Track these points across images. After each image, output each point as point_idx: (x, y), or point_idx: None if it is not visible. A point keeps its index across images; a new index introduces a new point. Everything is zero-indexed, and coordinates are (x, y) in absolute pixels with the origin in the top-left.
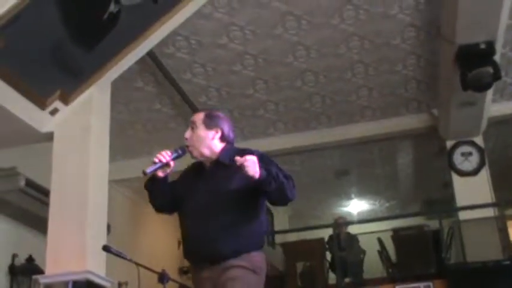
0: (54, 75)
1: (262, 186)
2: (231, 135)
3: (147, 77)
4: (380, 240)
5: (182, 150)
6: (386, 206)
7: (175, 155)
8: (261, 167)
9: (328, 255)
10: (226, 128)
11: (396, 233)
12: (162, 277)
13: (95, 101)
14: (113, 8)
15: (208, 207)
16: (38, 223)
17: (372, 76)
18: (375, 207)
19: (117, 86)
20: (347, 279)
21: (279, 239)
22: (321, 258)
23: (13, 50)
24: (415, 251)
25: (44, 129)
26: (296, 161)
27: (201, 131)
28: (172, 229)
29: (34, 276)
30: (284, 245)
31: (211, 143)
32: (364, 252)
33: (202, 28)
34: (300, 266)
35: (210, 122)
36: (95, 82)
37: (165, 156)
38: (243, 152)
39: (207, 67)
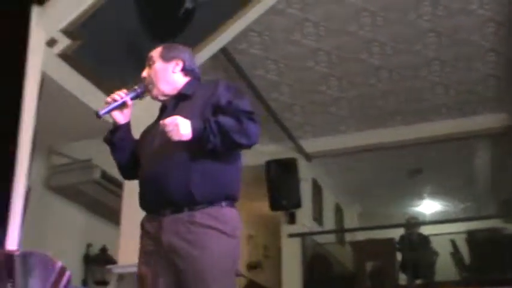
0: (131, 70)
1: (202, 145)
2: (196, 69)
3: (220, 73)
4: (454, 243)
5: (141, 87)
6: (461, 207)
7: (133, 93)
8: (195, 121)
9: (399, 256)
10: (188, 58)
11: (471, 236)
12: None
13: None
14: (188, 4)
15: (163, 144)
16: (112, 214)
17: (449, 73)
18: (448, 208)
19: None
20: (418, 281)
21: (348, 237)
22: (391, 259)
23: (91, 46)
24: (491, 254)
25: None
26: (367, 159)
27: (159, 64)
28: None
29: (107, 266)
30: (353, 244)
31: (171, 76)
32: (436, 253)
33: (275, 24)
34: (369, 266)
35: (168, 53)
36: None
37: (120, 94)
38: (208, 86)
39: (279, 63)
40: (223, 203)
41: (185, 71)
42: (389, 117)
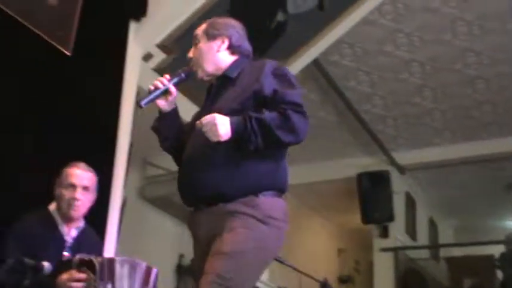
0: None
1: (242, 144)
2: (245, 45)
3: (312, 84)
4: None
5: (185, 72)
6: None
7: (176, 79)
8: (235, 118)
9: (500, 274)
10: (236, 35)
11: None
12: (324, 286)
13: None
14: (280, 17)
15: (199, 138)
16: None
17: None
18: None
19: None
20: None
21: (442, 252)
22: (490, 277)
23: (186, 59)
24: None
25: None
26: (463, 171)
27: (203, 43)
28: (332, 236)
29: None
30: (449, 260)
31: (216, 56)
32: None
33: (367, 35)
34: (467, 283)
35: (213, 31)
36: None
37: (163, 81)
38: (255, 68)
39: (372, 75)
40: (260, 194)
41: (232, 48)
42: (485, 128)
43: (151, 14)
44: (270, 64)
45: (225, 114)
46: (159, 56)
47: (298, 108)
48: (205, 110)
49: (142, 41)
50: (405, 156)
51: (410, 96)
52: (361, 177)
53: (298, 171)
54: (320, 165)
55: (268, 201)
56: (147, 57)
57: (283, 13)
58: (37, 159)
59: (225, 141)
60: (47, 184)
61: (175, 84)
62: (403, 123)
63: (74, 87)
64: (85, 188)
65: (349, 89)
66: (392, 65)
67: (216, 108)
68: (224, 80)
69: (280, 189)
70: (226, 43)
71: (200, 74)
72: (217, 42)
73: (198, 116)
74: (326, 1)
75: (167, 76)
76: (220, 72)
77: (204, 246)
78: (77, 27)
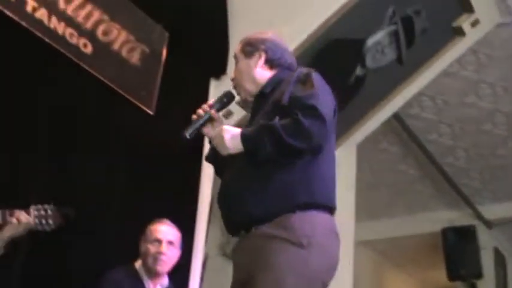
0: None
1: (255, 156)
2: (285, 57)
3: (392, 138)
4: None
5: (227, 95)
6: None
7: (218, 104)
8: (244, 131)
9: None
10: (273, 47)
11: None
12: None
13: (341, 163)
14: (359, 71)
15: (237, 155)
16: None
17: None
18: None
19: (361, 147)
20: None
21: None
22: None
23: None
24: None
25: None
26: None
27: (241, 62)
28: None
29: None
30: None
31: (255, 72)
32: None
33: (448, 87)
34: None
35: (249, 48)
36: (340, 144)
37: (205, 108)
38: (288, 79)
39: (454, 127)
40: (294, 212)
41: (270, 62)
42: None
43: (231, 71)
44: (299, 70)
45: None
46: (240, 113)
47: (310, 111)
48: None
49: None
50: (492, 210)
51: (495, 148)
52: (446, 232)
53: (380, 226)
54: (403, 219)
55: (303, 219)
56: (227, 114)
57: (362, 68)
58: (124, 216)
59: (247, 164)
60: (134, 242)
61: (218, 110)
62: (488, 175)
63: (156, 144)
64: (170, 243)
65: (430, 142)
66: (475, 116)
67: (253, 125)
68: (260, 97)
69: (321, 205)
70: (263, 57)
71: (243, 95)
72: (254, 58)
73: None
74: (405, 55)
75: (210, 102)
76: (252, 94)
77: (238, 273)
78: (159, 86)
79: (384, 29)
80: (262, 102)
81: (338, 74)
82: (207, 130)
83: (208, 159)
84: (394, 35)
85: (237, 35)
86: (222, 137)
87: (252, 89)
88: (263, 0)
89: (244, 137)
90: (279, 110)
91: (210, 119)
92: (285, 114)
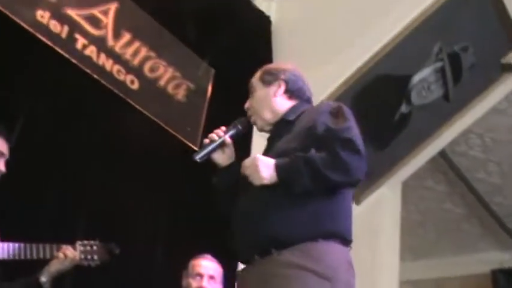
0: None
1: (289, 187)
2: (304, 89)
3: (438, 176)
4: None
5: (242, 123)
6: None
7: (232, 130)
8: (281, 159)
9: None
10: (293, 78)
11: None
12: None
13: (385, 201)
14: (404, 108)
15: (248, 182)
16: None
17: None
18: None
19: (407, 185)
20: None
21: None
22: None
23: None
24: None
25: None
26: None
27: (259, 90)
28: None
29: None
30: None
31: (273, 101)
32: None
33: (497, 125)
34: None
35: (268, 77)
36: (385, 182)
37: (219, 133)
38: (315, 108)
39: (502, 165)
40: (319, 240)
41: (289, 93)
42: None
43: None
44: (328, 103)
45: (281, 156)
46: None
47: (348, 145)
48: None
49: (267, 136)
50: None
51: None
52: (495, 273)
53: (425, 266)
54: (449, 260)
55: (327, 249)
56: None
57: (408, 104)
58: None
59: (274, 185)
60: (177, 277)
61: (232, 137)
62: None
63: (199, 181)
64: (211, 278)
65: (478, 180)
66: None
67: (273, 152)
68: (282, 124)
69: (343, 238)
70: (283, 87)
71: (260, 123)
72: (273, 87)
73: None
74: (452, 91)
75: (223, 128)
76: (269, 124)
77: None
78: (204, 122)
79: (431, 65)
80: (283, 129)
81: (383, 110)
82: (217, 156)
83: (219, 184)
84: (441, 71)
85: None
86: (256, 166)
87: (270, 118)
88: (308, 38)
89: (279, 168)
90: (311, 138)
91: (223, 145)
92: (319, 145)
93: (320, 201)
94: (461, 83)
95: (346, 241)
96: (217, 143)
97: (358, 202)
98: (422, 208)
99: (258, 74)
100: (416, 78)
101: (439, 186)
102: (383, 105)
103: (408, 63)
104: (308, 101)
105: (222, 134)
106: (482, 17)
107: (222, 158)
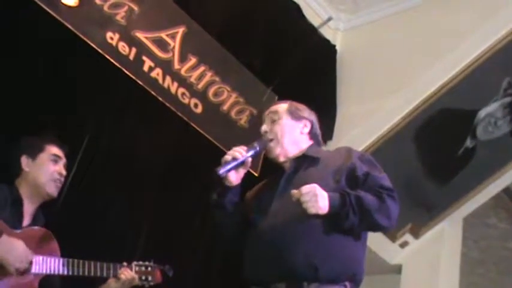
0: (408, 209)
1: (337, 221)
2: (320, 135)
3: (501, 213)
4: None
5: (260, 145)
6: None
7: (252, 151)
8: (333, 194)
9: None
10: (315, 121)
11: None
12: None
13: (445, 236)
14: (469, 143)
15: (288, 211)
16: None
17: None
18: None
19: (468, 221)
20: None
21: None
22: None
23: None
24: None
25: (393, 261)
26: None
27: (287, 120)
28: None
29: None
30: None
31: (298, 136)
32: None
33: None
34: None
35: (298, 112)
36: (446, 217)
37: (242, 152)
38: (337, 153)
39: None
40: (347, 284)
41: (311, 134)
42: None
43: (338, 137)
44: (353, 149)
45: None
46: None
47: (392, 193)
48: (278, 191)
49: None
50: None
51: None
52: None
53: None
54: None
55: None
56: None
57: (473, 139)
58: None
59: (322, 216)
60: None
61: (251, 157)
62: None
63: None
64: None
65: None
66: None
67: (296, 186)
68: (304, 159)
69: (361, 280)
70: (309, 127)
71: (278, 151)
72: (301, 124)
73: (261, 192)
74: None
75: (243, 147)
76: (297, 154)
77: None
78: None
79: (498, 100)
80: (306, 165)
81: (447, 144)
82: (233, 174)
83: (219, 205)
84: (509, 107)
85: (345, 102)
86: (315, 195)
87: (291, 150)
88: (372, 69)
89: (333, 201)
90: (349, 178)
91: (243, 164)
92: (360, 187)
93: (354, 244)
94: None
95: (359, 284)
96: (240, 161)
97: (417, 236)
98: (483, 245)
99: (284, 105)
100: (483, 112)
101: (502, 224)
102: (447, 139)
103: (475, 98)
104: (320, 144)
105: (244, 154)
106: None
107: (235, 177)
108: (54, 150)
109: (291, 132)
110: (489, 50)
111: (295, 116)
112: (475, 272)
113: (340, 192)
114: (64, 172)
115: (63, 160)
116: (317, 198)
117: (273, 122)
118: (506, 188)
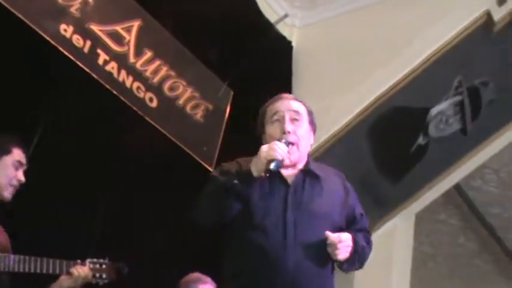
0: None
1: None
2: None
3: (452, 209)
4: None
5: (287, 144)
6: None
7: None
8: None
9: None
10: None
11: None
12: None
13: (398, 231)
14: (421, 140)
15: (297, 226)
16: None
17: None
18: None
19: (420, 217)
20: None
21: None
22: None
23: None
24: None
25: None
26: None
27: (306, 127)
28: None
29: None
30: None
31: (309, 148)
32: None
33: None
34: None
35: (314, 123)
36: (399, 213)
37: (284, 151)
38: (332, 174)
39: None
40: None
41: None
42: None
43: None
44: (343, 176)
45: (319, 214)
46: None
47: (370, 238)
48: (288, 205)
49: None
50: None
51: None
52: None
53: None
54: None
55: None
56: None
57: (425, 136)
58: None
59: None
60: None
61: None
62: None
63: None
64: None
65: (492, 215)
66: None
67: (314, 207)
68: (308, 174)
69: None
70: (312, 141)
71: (296, 156)
72: (313, 136)
73: (270, 201)
74: (470, 126)
75: (282, 143)
76: (299, 164)
77: None
78: (220, 144)
79: (450, 98)
80: (309, 180)
81: (400, 142)
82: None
83: (234, 189)
84: (460, 105)
85: (300, 98)
86: (349, 246)
87: (301, 158)
88: (328, 66)
89: (353, 250)
90: (350, 217)
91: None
92: (352, 225)
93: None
94: (480, 117)
95: None
96: (280, 159)
97: (370, 231)
98: (434, 241)
99: (303, 106)
100: (434, 110)
101: (452, 220)
102: (400, 136)
103: (427, 96)
104: None
105: (286, 154)
106: (504, 53)
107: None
108: (18, 155)
109: (308, 142)
110: (441, 49)
111: (313, 126)
112: (426, 267)
113: (354, 238)
114: (23, 179)
115: (24, 167)
116: (349, 250)
117: (294, 121)
118: (457, 184)
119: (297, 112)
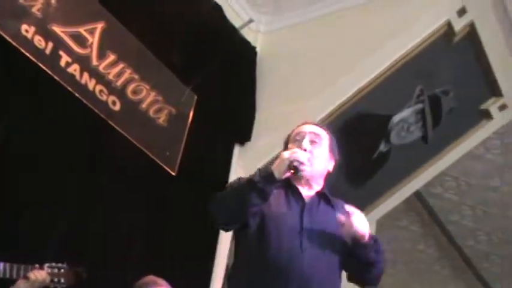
0: None
1: (359, 253)
2: None
3: (412, 216)
4: None
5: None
6: None
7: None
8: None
9: None
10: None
11: None
12: None
13: None
14: (383, 147)
15: (313, 246)
16: None
17: None
18: None
19: (381, 223)
20: None
21: None
22: None
23: None
24: None
25: None
26: None
27: (325, 151)
28: None
29: None
30: None
31: (326, 172)
32: None
33: (472, 170)
34: None
35: (334, 150)
36: None
37: (304, 157)
38: (340, 205)
39: (476, 209)
40: None
41: (328, 175)
42: None
43: (256, 138)
44: (339, 201)
45: (330, 236)
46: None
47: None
48: (304, 223)
49: (246, 165)
50: None
51: None
52: None
53: None
54: None
55: None
56: None
57: (387, 143)
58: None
59: (340, 248)
60: None
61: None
62: (510, 262)
63: (175, 206)
64: None
65: (451, 222)
66: (499, 201)
67: (321, 225)
68: (325, 198)
69: None
70: (332, 168)
71: (308, 173)
72: (332, 163)
73: (280, 203)
74: (431, 134)
75: (299, 151)
76: (316, 188)
77: None
78: (183, 148)
79: (411, 106)
80: (324, 203)
81: (362, 148)
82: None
83: (261, 188)
84: (421, 113)
85: (264, 104)
86: (365, 218)
87: (314, 180)
88: (291, 72)
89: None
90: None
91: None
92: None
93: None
94: (440, 125)
95: None
96: (303, 162)
97: None
98: (395, 247)
99: (328, 137)
100: (396, 118)
101: (413, 227)
102: (363, 142)
103: (390, 103)
104: None
105: (306, 158)
106: (464, 62)
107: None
108: None
109: (325, 166)
110: (403, 57)
111: (333, 154)
112: (386, 273)
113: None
114: None
115: None
116: (366, 224)
117: (313, 143)
118: (417, 191)
119: (317, 135)
